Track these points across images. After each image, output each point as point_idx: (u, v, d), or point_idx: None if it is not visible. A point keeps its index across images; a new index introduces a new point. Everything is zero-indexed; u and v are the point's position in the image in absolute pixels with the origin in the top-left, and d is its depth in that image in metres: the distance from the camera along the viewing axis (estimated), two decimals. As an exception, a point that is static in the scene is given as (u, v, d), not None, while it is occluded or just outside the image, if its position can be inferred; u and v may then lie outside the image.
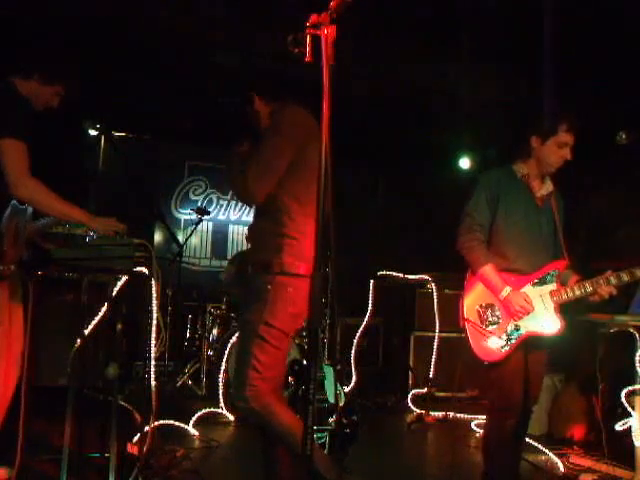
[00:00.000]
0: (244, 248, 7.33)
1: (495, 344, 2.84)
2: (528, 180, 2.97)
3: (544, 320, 2.84)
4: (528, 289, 2.88)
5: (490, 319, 2.88)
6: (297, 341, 4.93)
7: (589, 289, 2.84)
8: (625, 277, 2.83)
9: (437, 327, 5.73)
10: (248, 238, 2.70)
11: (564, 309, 2.92)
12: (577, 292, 2.85)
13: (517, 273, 2.89)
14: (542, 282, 2.88)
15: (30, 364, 2.62)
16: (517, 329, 2.84)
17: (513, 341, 2.82)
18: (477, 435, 4.55)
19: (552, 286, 2.88)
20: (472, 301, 2.94)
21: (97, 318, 2.96)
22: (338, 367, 4.52)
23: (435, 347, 5.66)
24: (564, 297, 2.86)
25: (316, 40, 1.75)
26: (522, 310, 2.80)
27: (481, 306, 2.91)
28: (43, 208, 2.66)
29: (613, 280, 2.82)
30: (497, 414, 2.89)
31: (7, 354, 2.72)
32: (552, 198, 3.01)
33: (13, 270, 2.53)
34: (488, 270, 2.84)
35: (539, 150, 2.93)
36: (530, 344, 2.86)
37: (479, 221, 2.89)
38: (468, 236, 2.89)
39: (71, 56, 2.98)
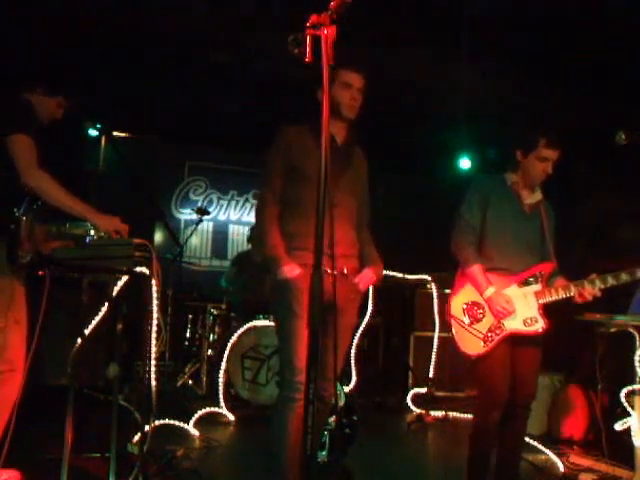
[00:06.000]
0: (244, 248, 7.34)
1: (477, 340, 2.95)
2: (517, 188, 3.09)
3: (527, 319, 2.93)
4: (513, 289, 2.98)
5: (475, 316, 2.99)
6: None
7: (573, 291, 2.92)
8: (610, 280, 2.89)
9: (437, 327, 5.73)
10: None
11: (560, 309, 2.98)
12: (561, 293, 2.93)
13: (502, 272, 2.99)
14: (528, 282, 2.98)
15: (34, 364, 2.63)
16: (500, 327, 2.94)
17: (495, 338, 2.93)
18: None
19: (537, 287, 2.97)
20: (459, 299, 3.06)
21: (97, 318, 2.96)
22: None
23: (435, 347, 5.67)
24: (548, 298, 2.94)
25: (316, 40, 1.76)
26: (503, 311, 2.90)
27: (467, 303, 3.03)
28: (50, 199, 2.70)
29: (598, 283, 2.89)
30: (482, 408, 3.01)
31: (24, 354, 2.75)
32: (541, 207, 3.11)
33: (28, 261, 2.58)
34: (476, 269, 2.96)
35: (523, 163, 3.05)
36: (522, 341, 2.95)
37: (472, 223, 3.02)
38: (460, 237, 3.02)
39: (74, 67, 3.06)
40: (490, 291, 2.91)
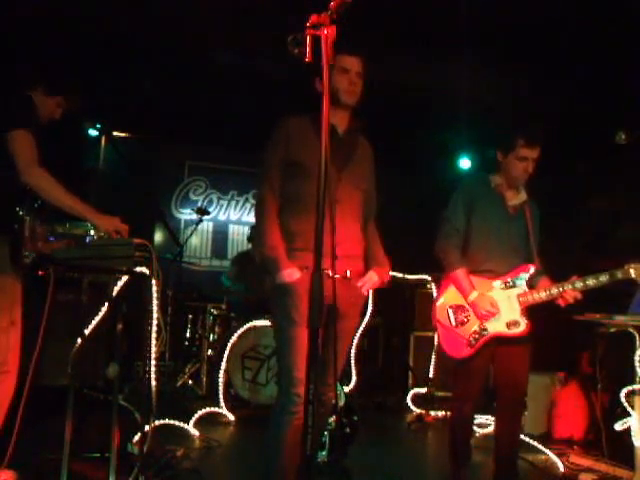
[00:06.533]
0: (244, 248, 7.34)
1: (461, 343, 3.00)
2: (501, 190, 3.11)
3: (509, 322, 2.96)
4: (497, 291, 3.00)
5: (459, 319, 3.04)
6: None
7: (555, 292, 2.93)
8: (590, 282, 2.90)
9: (437, 327, 5.72)
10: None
11: (560, 309, 2.99)
12: (543, 295, 2.95)
13: (486, 274, 3.02)
14: (511, 285, 3.01)
15: (34, 364, 2.63)
16: (484, 329, 2.98)
17: (479, 341, 2.98)
18: (477, 435, 4.55)
19: (520, 289, 3.00)
20: (444, 302, 3.11)
21: (97, 318, 2.96)
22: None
23: (435, 347, 5.66)
24: (530, 300, 2.97)
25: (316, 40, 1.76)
26: (488, 314, 2.93)
27: (451, 307, 3.07)
28: (49, 197, 2.69)
29: (578, 284, 2.90)
30: (456, 405, 3.15)
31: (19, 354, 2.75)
32: (526, 207, 3.12)
33: (31, 260, 2.58)
34: (460, 273, 2.99)
35: (504, 164, 3.07)
36: (509, 340, 2.98)
37: (456, 226, 3.05)
38: (445, 241, 3.06)
39: (74, 66, 3.07)
40: (474, 295, 2.94)
